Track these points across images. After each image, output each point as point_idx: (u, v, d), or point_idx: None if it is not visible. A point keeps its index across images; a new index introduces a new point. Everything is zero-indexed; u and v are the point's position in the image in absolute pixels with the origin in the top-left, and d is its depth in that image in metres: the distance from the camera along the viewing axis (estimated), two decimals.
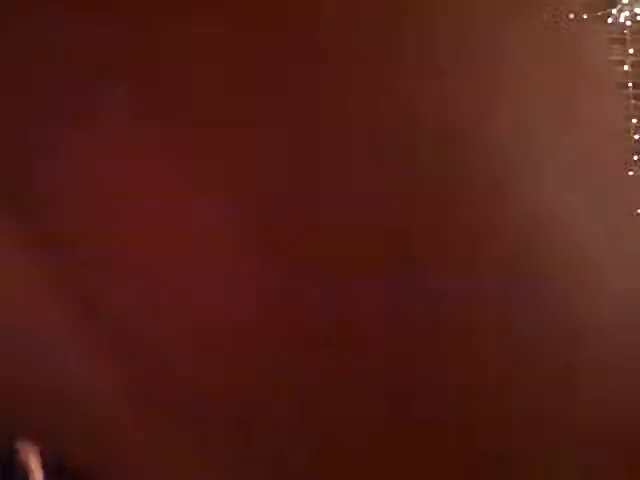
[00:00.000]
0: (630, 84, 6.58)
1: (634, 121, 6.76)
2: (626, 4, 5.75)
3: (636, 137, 6.64)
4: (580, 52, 0.42)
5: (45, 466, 3.20)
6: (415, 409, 0.38)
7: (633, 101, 6.69)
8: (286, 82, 0.33)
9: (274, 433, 0.40)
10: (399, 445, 0.39)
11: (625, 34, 6.49)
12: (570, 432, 0.40)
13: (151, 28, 0.33)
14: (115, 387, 0.39)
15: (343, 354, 0.37)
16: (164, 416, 0.38)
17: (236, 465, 0.44)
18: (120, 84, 0.34)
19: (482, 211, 0.38)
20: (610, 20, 6.02)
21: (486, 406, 0.39)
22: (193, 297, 0.37)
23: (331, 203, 0.36)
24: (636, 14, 5.85)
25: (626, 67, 6.55)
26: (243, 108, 0.34)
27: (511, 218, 0.38)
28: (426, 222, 0.37)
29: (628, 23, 6.10)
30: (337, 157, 0.35)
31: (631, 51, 6.56)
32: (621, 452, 0.43)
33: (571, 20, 0.41)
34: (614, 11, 5.88)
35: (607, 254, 0.42)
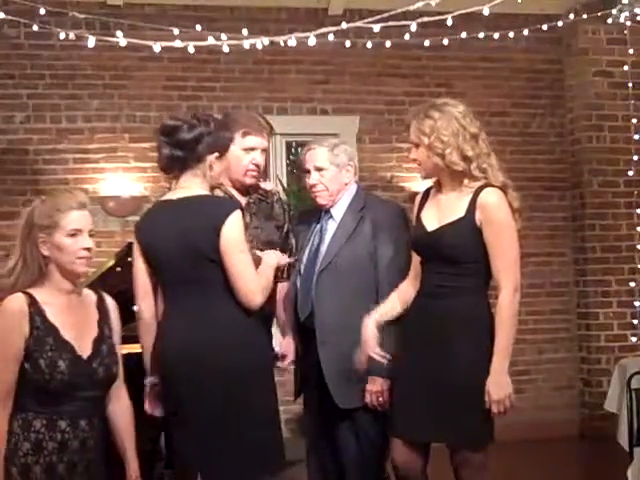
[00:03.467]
0: (630, 84, 6.62)
1: (634, 121, 6.80)
2: (626, 4, 5.74)
3: (636, 137, 6.67)
4: None
5: None
6: None
7: (633, 101, 6.72)
8: None
9: None
10: None
11: (625, 34, 6.52)
12: None
13: None
14: None
15: None
16: None
17: None
18: None
19: None
20: (610, 20, 6.03)
21: None
22: None
23: None
24: (636, 14, 5.84)
25: (626, 67, 6.58)
26: None
27: None
28: None
29: (628, 23, 6.11)
30: None
31: (631, 51, 6.59)
32: None
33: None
34: (614, 11, 5.88)
35: None
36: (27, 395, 2.49)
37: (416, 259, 3.22)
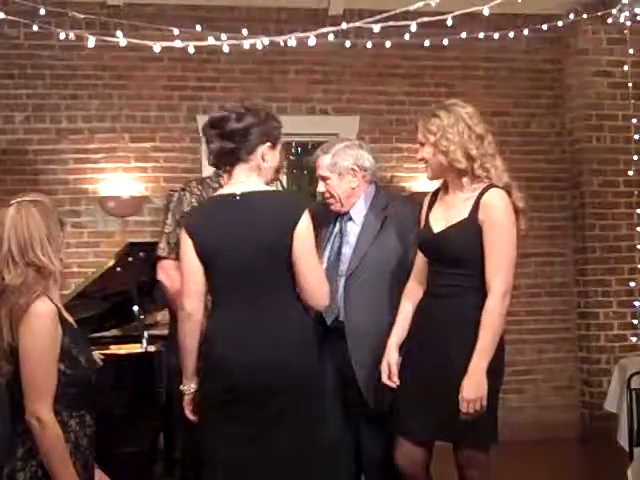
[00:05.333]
0: (630, 84, 6.61)
1: (634, 121, 6.79)
2: (626, 4, 5.74)
3: (636, 137, 6.67)
4: None
5: None
6: None
7: (633, 101, 6.72)
8: None
9: None
10: None
11: (625, 34, 6.52)
12: None
13: None
14: None
15: None
16: None
17: None
18: None
19: None
20: (610, 20, 6.03)
21: None
22: None
23: None
24: (636, 14, 5.84)
25: (626, 67, 6.58)
26: None
27: None
28: None
29: (628, 23, 6.10)
30: None
31: (631, 51, 6.58)
32: None
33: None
34: (614, 11, 5.87)
35: None
36: (61, 395, 2.44)
37: (421, 259, 3.23)
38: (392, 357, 3.18)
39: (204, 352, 2.87)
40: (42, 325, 2.40)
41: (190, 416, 2.95)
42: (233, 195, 2.86)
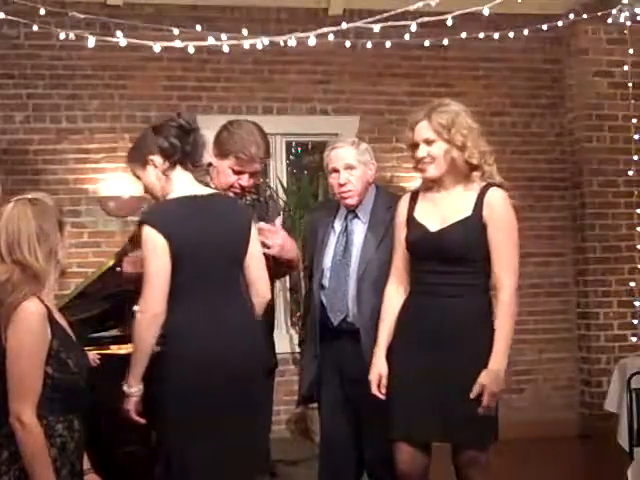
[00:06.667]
0: (630, 84, 6.62)
1: (634, 121, 6.79)
2: (626, 4, 5.74)
3: (636, 137, 6.67)
4: None
5: None
6: None
7: (633, 101, 6.72)
8: None
9: None
10: None
11: (625, 34, 6.52)
12: None
13: None
14: None
15: None
16: None
17: None
18: None
19: None
20: (610, 20, 6.03)
21: None
22: None
23: None
24: (636, 14, 5.84)
25: (626, 67, 6.58)
26: None
27: None
28: None
29: (628, 23, 6.10)
30: None
31: (631, 51, 6.59)
32: None
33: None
34: (614, 11, 5.87)
35: None
36: (47, 399, 2.41)
37: (401, 260, 3.20)
38: (383, 368, 3.13)
39: (172, 350, 2.84)
40: (30, 325, 2.39)
41: (137, 419, 2.91)
42: (194, 197, 2.95)
